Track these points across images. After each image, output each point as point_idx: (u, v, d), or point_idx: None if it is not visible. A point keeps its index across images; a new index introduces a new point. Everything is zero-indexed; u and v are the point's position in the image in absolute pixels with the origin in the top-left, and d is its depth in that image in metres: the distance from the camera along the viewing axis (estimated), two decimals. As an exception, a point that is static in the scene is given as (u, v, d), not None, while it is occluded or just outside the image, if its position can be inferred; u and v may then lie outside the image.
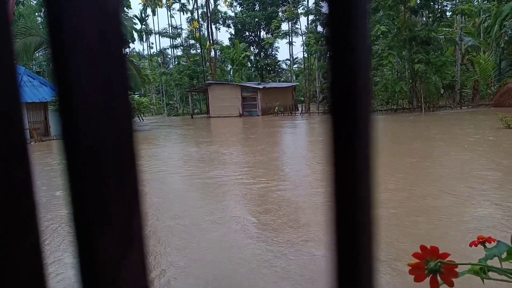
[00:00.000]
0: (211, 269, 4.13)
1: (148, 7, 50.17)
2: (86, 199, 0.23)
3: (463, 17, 29.19)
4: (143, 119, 32.38)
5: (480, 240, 0.88)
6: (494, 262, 0.78)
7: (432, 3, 26.40)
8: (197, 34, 43.14)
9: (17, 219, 0.22)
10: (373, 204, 0.28)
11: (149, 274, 0.25)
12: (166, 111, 44.90)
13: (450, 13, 29.72)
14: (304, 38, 36.38)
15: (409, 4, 25.37)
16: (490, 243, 0.86)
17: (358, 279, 0.27)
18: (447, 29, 28.55)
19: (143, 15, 51.82)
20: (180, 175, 9.71)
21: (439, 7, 27.80)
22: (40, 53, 25.13)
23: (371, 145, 0.27)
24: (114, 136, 0.23)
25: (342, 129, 0.26)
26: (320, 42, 30.21)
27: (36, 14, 40.21)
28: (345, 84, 0.26)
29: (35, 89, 21.06)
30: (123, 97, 0.24)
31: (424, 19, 28.36)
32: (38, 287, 0.23)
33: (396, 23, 25.79)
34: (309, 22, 38.50)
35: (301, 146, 15.00)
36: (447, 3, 28.55)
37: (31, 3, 42.62)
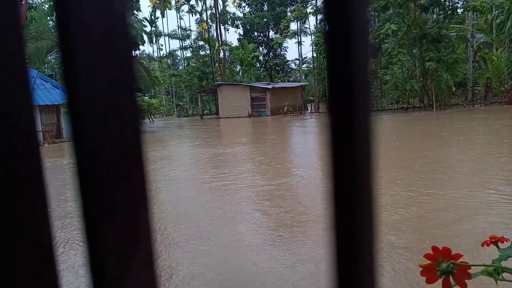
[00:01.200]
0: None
1: (157, 9, 50.54)
2: (95, 198, 0.23)
3: (474, 14, 28.70)
4: (153, 120, 32.63)
5: (492, 239, 0.86)
6: (509, 263, 0.76)
7: (442, 0, 26.05)
8: (206, 35, 43.29)
9: (29, 219, 0.22)
10: (374, 204, 0.27)
11: (157, 269, 0.25)
12: (176, 112, 45.17)
13: (462, 9, 29.26)
14: (313, 37, 36.23)
15: (419, 1, 25.07)
16: (502, 242, 0.84)
17: (359, 280, 0.27)
18: (458, 26, 28.12)
19: (152, 17, 52.24)
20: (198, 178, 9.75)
21: (450, 3, 27.41)
22: (52, 57, 25.51)
23: (371, 143, 0.27)
24: (122, 137, 0.23)
25: (341, 127, 0.26)
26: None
27: (48, 18, 40.83)
28: (342, 81, 0.26)
29: (48, 91, 21.37)
30: (131, 98, 0.24)
31: (435, 16, 27.97)
32: (48, 285, 0.23)
33: (406, 20, 25.51)
34: (318, 21, 38.33)
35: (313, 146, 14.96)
36: (458, 0, 28.15)
37: (43, 7, 43.31)
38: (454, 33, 26.67)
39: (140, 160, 0.24)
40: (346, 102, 0.26)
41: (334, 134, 0.26)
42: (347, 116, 0.26)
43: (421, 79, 26.48)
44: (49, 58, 26.89)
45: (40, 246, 0.22)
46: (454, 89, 28.28)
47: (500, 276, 0.75)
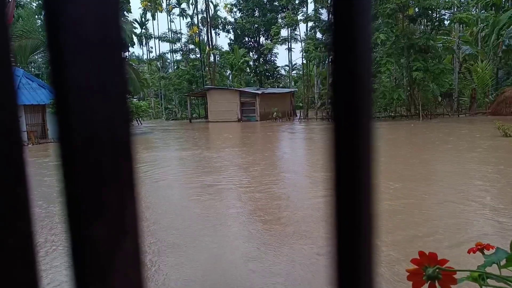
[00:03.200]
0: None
1: (148, 12, 50.32)
2: (82, 200, 0.23)
3: (461, 26, 29.38)
4: (141, 123, 32.32)
5: (479, 246, 0.87)
6: (493, 269, 0.77)
7: (430, 12, 26.59)
8: (197, 39, 43.24)
9: (11, 219, 0.22)
10: (374, 210, 0.28)
11: (143, 265, 0.25)
12: (164, 115, 44.86)
13: (448, 21, 29.92)
14: (303, 44, 36.51)
15: (407, 12, 25.54)
16: (488, 249, 0.85)
17: (358, 284, 0.27)
18: (445, 37, 28.74)
19: (143, 19, 51.98)
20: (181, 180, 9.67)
21: (437, 15, 27.99)
22: (39, 56, 25.16)
23: (372, 151, 0.27)
24: (112, 139, 0.23)
25: (343, 135, 0.26)
26: (319, 49, 30.32)
27: (36, 16, 40.27)
28: (347, 90, 0.26)
29: (33, 91, 21.00)
30: (122, 99, 0.24)
31: (423, 27, 28.52)
32: (30, 284, 0.23)
33: (394, 31, 25.94)
34: (308, 29, 38.70)
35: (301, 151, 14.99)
36: (445, 12, 28.75)
37: (31, 5, 42.71)
38: (441, 44, 27.23)
39: (130, 162, 0.24)
40: (350, 109, 0.26)
41: (337, 142, 0.27)
42: (350, 124, 0.26)
43: (408, 88, 26.91)
44: (36, 57, 26.51)
45: (21, 238, 0.22)
46: (440, 99, 28.82)
47: (485, 281, 0.75)
